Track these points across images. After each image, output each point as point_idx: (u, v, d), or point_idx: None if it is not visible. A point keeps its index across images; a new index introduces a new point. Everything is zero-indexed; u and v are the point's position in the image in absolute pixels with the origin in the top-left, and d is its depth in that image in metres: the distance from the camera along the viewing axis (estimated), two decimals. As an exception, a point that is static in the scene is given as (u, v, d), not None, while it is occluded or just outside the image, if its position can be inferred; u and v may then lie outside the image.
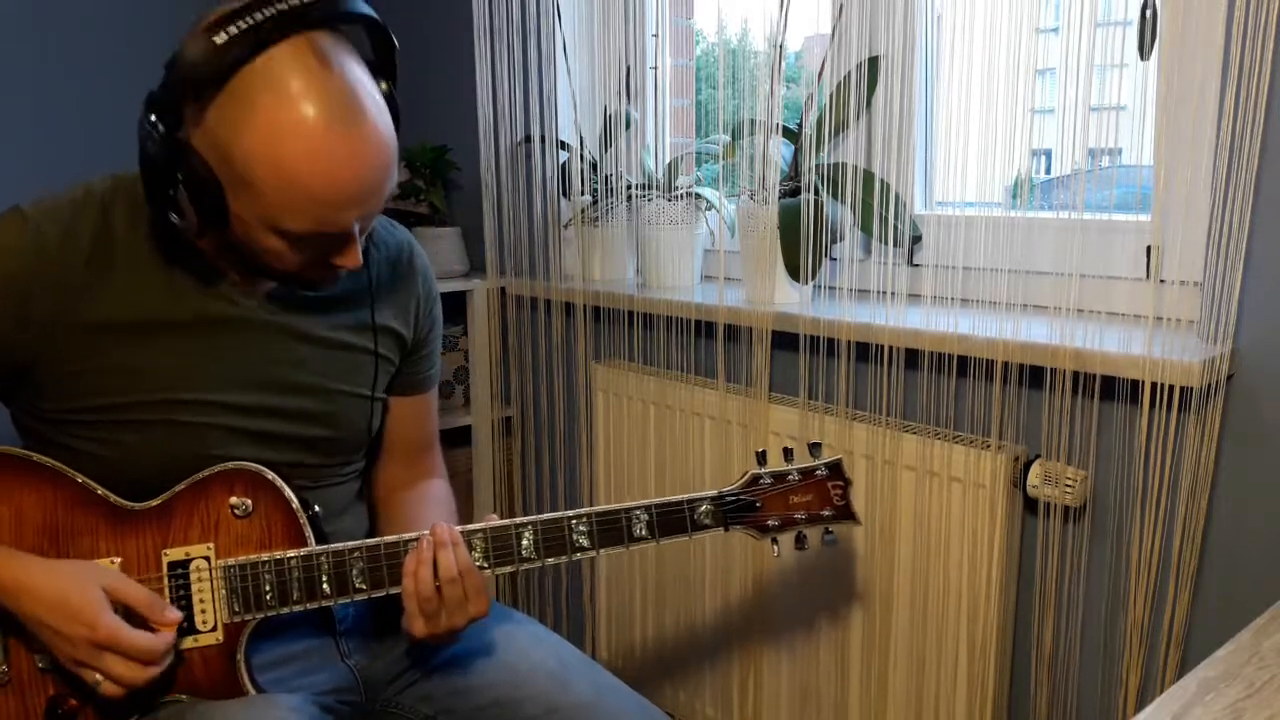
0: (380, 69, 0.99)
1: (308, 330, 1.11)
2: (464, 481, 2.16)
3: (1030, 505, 1.35)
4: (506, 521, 1.06)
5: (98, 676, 0.94)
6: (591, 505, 1.97)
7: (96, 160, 1.07)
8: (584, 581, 2.07)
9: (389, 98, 0.99)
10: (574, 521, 1.07)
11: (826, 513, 1.14)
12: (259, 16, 0.89)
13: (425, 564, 1.02)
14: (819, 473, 1.14)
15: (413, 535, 1.05)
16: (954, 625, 1.39)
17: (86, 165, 1.07)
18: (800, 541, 1.14)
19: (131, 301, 1.02)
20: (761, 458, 1.14)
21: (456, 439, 2.13)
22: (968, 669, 1.38)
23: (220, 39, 0.88)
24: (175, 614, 0.99)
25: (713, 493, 1.11)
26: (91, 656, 0.94)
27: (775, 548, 1.14)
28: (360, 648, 1.17)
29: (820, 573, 1.55)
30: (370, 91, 0.95)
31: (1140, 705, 1.28)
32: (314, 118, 0.90)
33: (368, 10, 0.98)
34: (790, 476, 1.13)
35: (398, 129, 1.00)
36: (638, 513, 1.08)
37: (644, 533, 1.08)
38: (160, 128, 0.92)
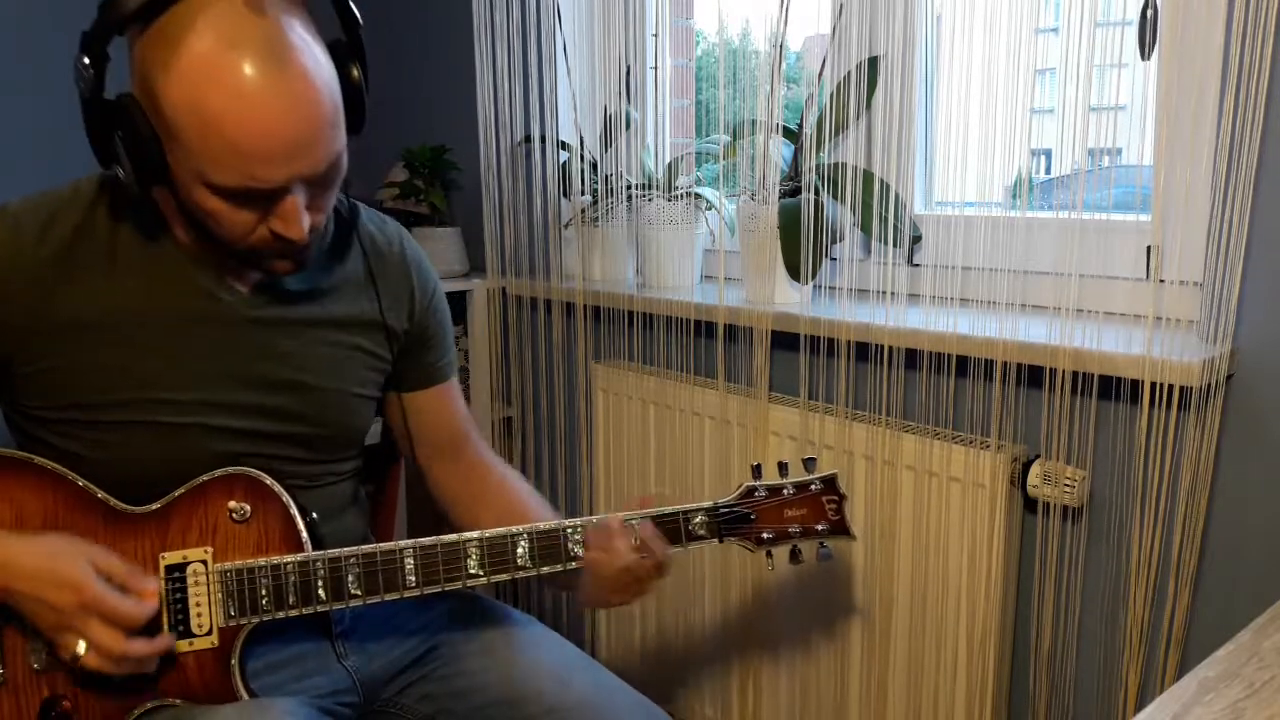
0: (349, 50, 0.98)
1: (292, 326, 1.10)
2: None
3: (1030, 505, 1.35)
4: (502, 530, 1.06)
5: (82, 644, 0.94)
6: (591, 505, 1.98)
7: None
8: (584, 582, 2.07)
9: (351, 83, 0.97)
10: (569, 531, 1.07)
11: (821, 527, 1.14)
12: None
13: (620, 537, 1.05)
14: (813, 487, 1.14)
15: (408, 543, 1.05)
16: (953, 625, 1.39)
17: (88, 165, 1.06)
18: (795, 556, 1.14)
19: (110, 299, 1.02)
20: (757, 471, 1.14)
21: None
22: (967, 668, 1.38)
23: None
24: (153, 583, 1.00)
25: (707, 504, 1.11)
26: (79, 620, 0.94)
27: (770, 561, 1.14)
28: (357, 649, 1.17)
29: (820, 573, 1.55)
30: (308, 46, 0.91)
31: (1140, 705, 1.28)
32: (236, 61, 0.87)
33: None
34: (785, 490, 1.13)
35: (360, 114, 0.98)
36: (634, 523, 1.08)
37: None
38: (91, 71, 0.89)
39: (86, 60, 0.89)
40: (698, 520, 1.10)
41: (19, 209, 1.01)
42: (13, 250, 0.99)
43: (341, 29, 0.99)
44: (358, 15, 0.99)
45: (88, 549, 0.98)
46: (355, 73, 0.99)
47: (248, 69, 0.87)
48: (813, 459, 1.15)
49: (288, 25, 0.90)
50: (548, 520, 1.10)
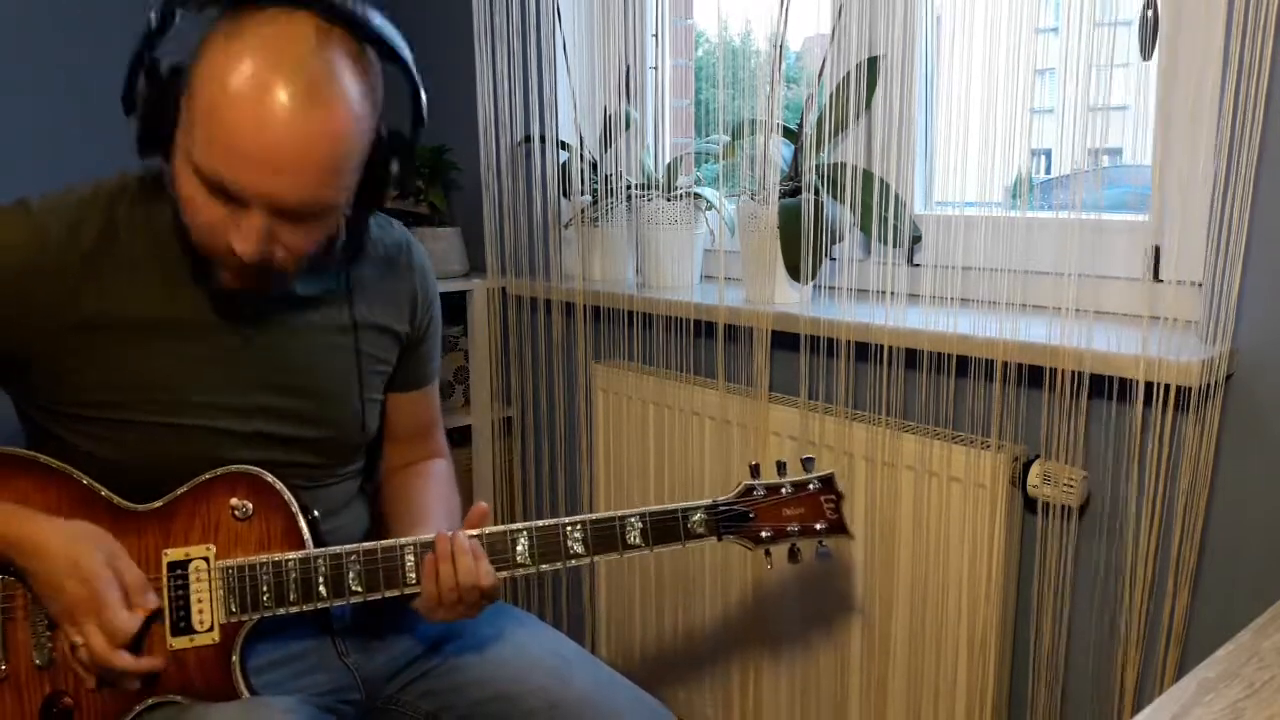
0: (402, 145, 1.02)
1: (304, 332, 1.11)
2: (464, 481, 2.16)
3: (1030, 505, 1.35)
4: (502, 528, 1.07)
5: (78, 639, 0.96)
6: (591, 505, 1.98)
7: (99, 158, 1.07)
8: (584, 580, 2.08)
9: (382, 167, 1.01)
10: (569, 528, 1.08)
11: (819, 526, 1.14)
12: None
13: (446, 561, 1.04)
14: (811, 486, 1.15)
15: (409, 540, 1.05)
16: (953, 625, 1.39)
17: (87, 165, 1.06)
18: (793, 555, 1.15)
19: (131, 301, 1.03)
20: (755, 470, 1.15)
21: (456, 439, 2.12)
22: (967, 669, 1.38)
23: None
24: (154, 600, 1.00)
25: (706, 502, 1.11)
26: (80, 615, 0.95)
27: (768, 559, 1.15)
28: (358, 646, 1.17)
29: (820, 573, 1.55)
30: (349, 101, 0.93)
31: (1139, 706, 1.28)
32: (276, 72, 0.89)
33: (403, 55, 0.99)
34: (783, 489, 1.14)
35: (379, 195, 1.02)
36: (632, 520, 1.09)
37: (637, 540, 1.09)
38: (160, 21, 0.93)
39: (161, 13, 0.93)
40: (696, 518, 1.10)
41: (42, 210, 1.02)
42: (40, 251, 1.00)
43: (410, 124, 1.03)
44: (424, 117, 1.03)
45: (108, 545, 0.99)
46: (394, 165, 1.02)
47: (278, 81, 0.90)
48: (810, 458, 1.16)
49: (341, 77, 0.93)
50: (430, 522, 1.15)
